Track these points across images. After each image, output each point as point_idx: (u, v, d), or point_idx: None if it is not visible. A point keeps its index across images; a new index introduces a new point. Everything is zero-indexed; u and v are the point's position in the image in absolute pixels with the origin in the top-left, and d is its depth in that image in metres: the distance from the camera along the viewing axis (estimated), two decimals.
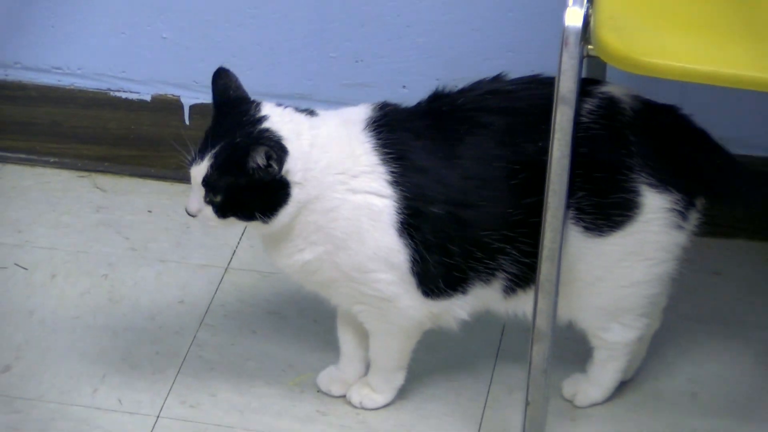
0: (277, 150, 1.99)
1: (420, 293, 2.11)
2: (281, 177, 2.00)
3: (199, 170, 2.00)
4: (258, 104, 2.06)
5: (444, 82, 2.17)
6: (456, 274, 2.10)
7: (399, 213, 2.06)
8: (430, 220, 2.07)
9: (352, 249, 2.07)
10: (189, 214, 2.04)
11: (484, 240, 2.08)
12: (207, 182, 2.01)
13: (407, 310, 2.12)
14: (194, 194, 2.02)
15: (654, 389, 2.27)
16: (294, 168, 2.01)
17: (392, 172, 2.06)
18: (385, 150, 2.07)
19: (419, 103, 2.13)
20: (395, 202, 2.06)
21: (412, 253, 2.07)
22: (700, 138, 2.12)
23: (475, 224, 2.07)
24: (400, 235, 2.07)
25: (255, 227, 2.04)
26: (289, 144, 2.01)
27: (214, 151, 2.01)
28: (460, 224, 2.07)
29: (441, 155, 2.07)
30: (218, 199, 2.02)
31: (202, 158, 2.01)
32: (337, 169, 2.05)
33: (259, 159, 1.98)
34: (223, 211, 2.03)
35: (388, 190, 2.06)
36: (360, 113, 2.10)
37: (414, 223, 2.06)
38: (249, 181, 2.00)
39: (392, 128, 2.08)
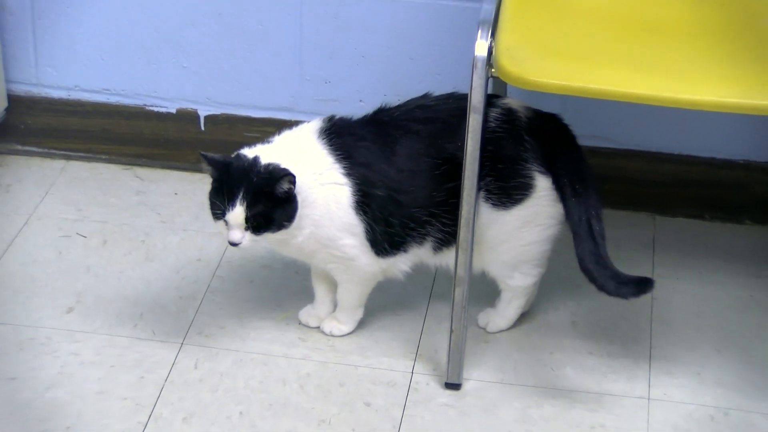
0: (291, 174, 2.01)
1: (373, 254, 2.13)
2: (293, 192, 2.03)
3: (236, 213, 2.01)
4: (240, 154, 2.06)
5: (389, 98, 2.19)
6: (397, 239, 2.12)
7: (354, 195, 2.08)
8: (375, 200, 2.09)
9: (325, 225, 2.09)
10: (234, 244, 2.04)
11: (415, 215, 2.11)
12: (246, 217, 2.01)
13: (365, 266, 2.14)
14: (234, 230, 2.02)
15: (544, 319, 2.29)
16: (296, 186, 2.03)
17: (344, 167, 2.08)
18: (337, 152, 2.08)
19: (365, 115, 2.15)
20: (350, 188, 2.08)
21: (366, 225, 2.10)
22: (570, 139, 2.14)
23: (408, 204, 2.10)
24: (357, 213, 2.09)
25: (280, 233, 2.04)
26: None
27: (240, 196, 2.00)
28: (397, 204, 2.09)
29: (380, 153, 2.10)
30: (256, 224, 2.02)
31: (233, 205, 2.01)
32: (309, 170, 2.06)
33: (285, 185, 2.00)
34: (260, 231, 2.03)
35: (344, 180, 2.08)
36: (313, 126, 2.12)
37: (365, 202, 2.08)
38: (275, 203, 2.02)
39: (339, 135, 2.10)
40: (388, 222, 2.11)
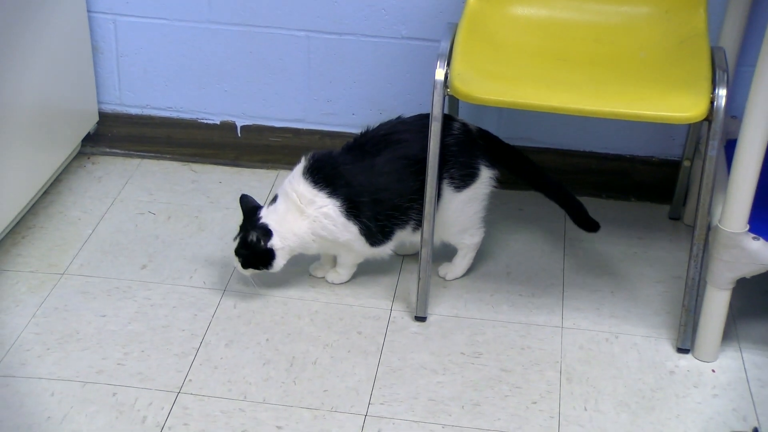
0: (261, 234, 2.06)
1: (368, 244, 2.12)
2: (267, 247, 2.07)
3: (235, 246, 2.10)
4: (257, 209, 2.11)
5: (373, 112, 2.19)
6: (386, 230, 2.11)
7: (341, 208, 2.07)
8: (362, 206, 2.07)
9: (327, 234, 2.09)
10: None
11: (398, 204, 2.09)
12: (237, 252, 2.09)
13: (359, 252, 2.14)
14: (236, 262, 2.11)
15: (486, 270, 2.27)
16: (276, 243, 2.07)
17: (328, 190, 2.07)
18: (318, 182, 2.08)
19: (347, 143, 2.13)
20: (334, 204, 2.07)
21: (359, 225, 2.08)
22: (505, 146, 2.15)
23: (391, 197, 2.08)
24: (348, 219, 2.07)
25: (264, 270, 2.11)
26: (273, 230, 2.07)
27: (240, 237, 2.09)
28: (381, 203, 2.08)
29: (363, 168, 2.08)
30: (241, 260, 2.09)
31: (235, 240, 2.10)
32: (302, 205, 2.07)
33: (252, 238, 2.06)
34: (246, 266, 2.10)
35: (328, 200, 2.07)
36: (299, 167, 2.11)
37: (353, 210, 2.07)
38: (253, 250, 2.07)
39: (321, 167, 2.09)
40: (377, 219, 2.09)
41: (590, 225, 2.18)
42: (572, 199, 2.17)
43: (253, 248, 2.08)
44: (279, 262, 2.10)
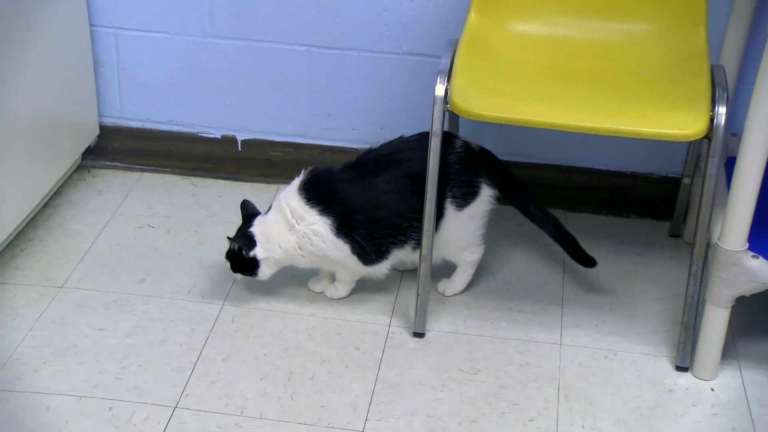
0: (244, 243, 2.08)
1: (360, 263, 2.11)
2: (250, 257, 2.08)
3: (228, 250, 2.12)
4: (255, 216, 2.12)
5: (374, 127, 2.17)
6: (382, 249, 2.09)
7: (331, 226, 2.06)
8: (356, 224, 2.06)
9: (316, 250, 2.08)
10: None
11: (397, 223, 2.07)
12: (226, 256, 2.12)
13: (353, 270, 2.13)
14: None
15: (486, 286, 2.26)
16: (260, 253, 2.08)
17: (320, 208, 2.06)
18: (311, 199, 2.07)
19: (350, 161, 2.12)
20: (325, 222, 2.06)
21: (350, 245, 2.07)
22: (501, 165, 2.14)
23: (389, 216, 2.07)
24: (338, 237, 2.06)
25: (250, 276, 2.13)
26: (258, 241, 2.08)
27: (232, 241, 2.09)
28: (377, 222, 2.06)
29: (361, 187, 2.06)
30: (230, 264, 2.10)
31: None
32: (293, 220, 2.07)
33: (234, 246, 2.08)
34: (234, 270, 2.12)
35: (319, 218, 2.06)
36: (296, 181, 2.10)
37: (346, 228, 2.06)
38: (236, 257, 2.09)
39: (317, 184, 2.07)
40: (372, 237, 2.08)
41: (586, 260, 2.17)
42: (566, 234, 2.15)
43: (237, 256, 2.09)
44: (264, 272, 2.10)
